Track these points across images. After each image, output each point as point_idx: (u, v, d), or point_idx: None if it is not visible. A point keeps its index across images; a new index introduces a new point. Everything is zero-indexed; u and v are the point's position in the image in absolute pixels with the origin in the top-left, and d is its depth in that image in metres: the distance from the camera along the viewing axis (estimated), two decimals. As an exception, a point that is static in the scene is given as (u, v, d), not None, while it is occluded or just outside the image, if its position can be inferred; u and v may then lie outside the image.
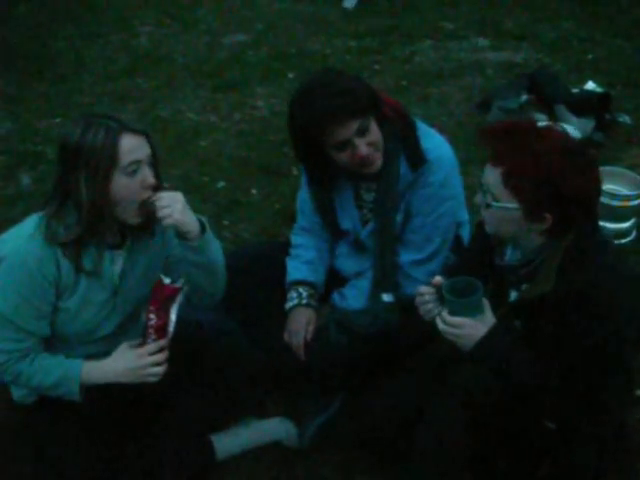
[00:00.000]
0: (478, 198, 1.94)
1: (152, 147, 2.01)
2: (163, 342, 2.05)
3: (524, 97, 4.39)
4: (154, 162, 2.02)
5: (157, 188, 2.01)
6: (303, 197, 2.64)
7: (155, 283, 2.05)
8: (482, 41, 5.63)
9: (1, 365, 2.05)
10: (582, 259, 1.87)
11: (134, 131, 1.97)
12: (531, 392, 1.92)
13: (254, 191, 3.77)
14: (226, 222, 3.50)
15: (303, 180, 2.62)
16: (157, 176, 2.03)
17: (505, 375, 1.92)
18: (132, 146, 1.95)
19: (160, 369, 2.06)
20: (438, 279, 1.96)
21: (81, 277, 2.04)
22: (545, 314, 1.91)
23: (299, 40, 5.70)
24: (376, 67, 5.22)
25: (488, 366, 1.92)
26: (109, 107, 4.69)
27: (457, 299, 1.88)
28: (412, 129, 2.37)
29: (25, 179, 3.97)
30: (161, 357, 2.05)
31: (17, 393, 2.19)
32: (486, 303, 1.92)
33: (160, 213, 1.97)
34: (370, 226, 2.47)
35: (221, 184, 3.80)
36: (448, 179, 2.37)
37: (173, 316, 2.05)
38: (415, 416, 2.08)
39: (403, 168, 2.36)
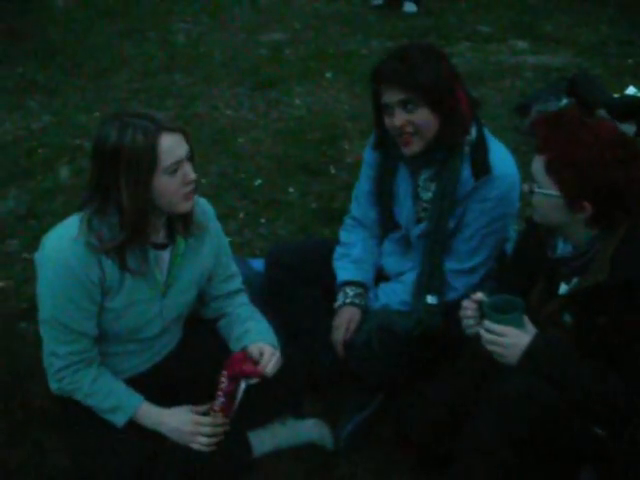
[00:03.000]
0: (525, 186, 1.95)
1: (189, 142, 2.00)
2: (226, 420, 2.09)
3: (564, 101, 4.35)
4: (192, 156, 2.02)
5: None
6: (362, 187, 2.62)
7: (239, 353, 2.11)
8: (521, 44, 5.59)
9: (60, 371, 2.05)
10: (636, 249, 1.88)
11: (172, 130, 1.94)
12: (589, 395, 1.90)
13: (291, 189, 3.76)
14: (263, 220, 3.50)
15: (364, 167, 2.60)
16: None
17: (561, 381, 1.90)
18: (171, 146, 1.93)
19: (208, 441, 2.10)
20: (479, 295, 1.97)
21: (126, 277, 2.03)
22: (598, 305, 1.90)
23: (336, 40, 5.71)
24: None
25: (540, 375, 1.90)
26: (147, 103, 4.74)
27: (499, 315, 1.89)
28: (483, 139, 2.37)
29: (64, 172, 4.01)
30: (214, 430, 2.09)
31: (55, 385, 2.20)
32: (526, 319, 1.92)
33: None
34: (423, 225, 2.46)
35: (258, 182, 3.80)
36: (508, 197, 2.34)
37: (241, 393, 2.10)
38: (451, 421, 2.08)
39: (467, 172, 2.35)
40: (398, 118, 2.26)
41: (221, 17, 6.24)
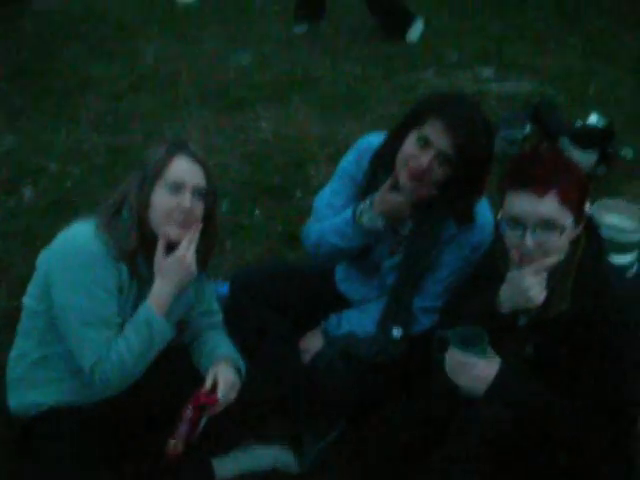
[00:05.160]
0: (529, 242, 1.94)
1: (208, 182, 2.14)
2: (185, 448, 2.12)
3: (528, 128, 4.42)
4: (205, 195, 2.13)
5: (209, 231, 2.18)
6: (337, 200, 2.53)
7: (201, 390, 2.16)
8: (486, 71, 5.66)
9: (94, 366, 2.04)
10: (595, 278, 1.94)
11: (193, 158, 2.10)
12: (555, 423, 1.93)
13: (257, 213, 3.77)
14: (229, 243, 3.49)
15: (345, 179, 2.53)
16: (210, 218, 2.17)
17: (527, 412, 1.92)
18: (182, 168, 2.08)
19: None
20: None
21: (134, 284, 2.10)
22: (560, 336, 1.93)
23: (304, 63, 5.72)
24: (381, 94, 5.24)
25: (506, 404, 1.92)
26: (113, 125, 4.71)
27: (464, 347, 1.92)
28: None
29: (28, 193, 3.97)
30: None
31: (16, 405, 2.18)
32: (490, 350, 1.96)
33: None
34: (397, 258, 2.46)
35: (225, 206, 3.80)
36: (485, 244, 2.36)
37: (202, 422, 2.16)
38: (418, 445, 2.09)
39: (450, 219, 2.36)
40: (426, 159, 2.21)
41: (191, 39, 6.24)
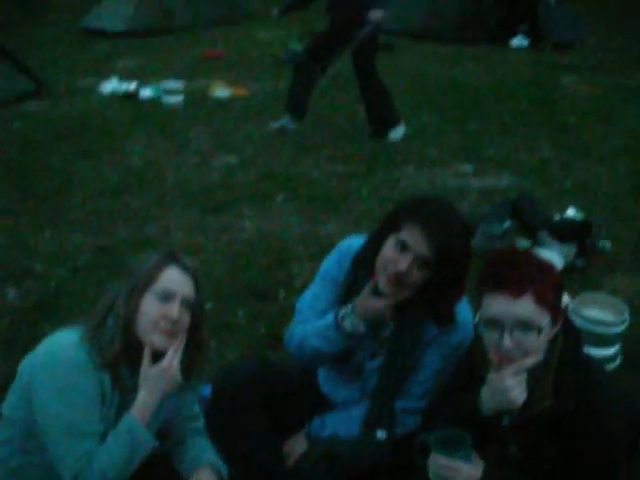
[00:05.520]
0: (507, 343, 1.95)
1: (197, 293, 2.16)
2: None
3: (507, 223, 4.49)
4: (193, 307, 2.14)
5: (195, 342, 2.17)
6: (319, 304, 2.52)
7: None
8: (465, 167, 5.80)
9: (75, 477, 2.01)
10: (576, 374, 1.95)
11: (184, 269, 2.14)
12: None
13: (241, 313, 3.77)
14: (212, 344, 3.48)
15: (327, 282, 2.53)
16: (196, 329, 2.16)
17: None
18: (173, 278, 2.11)
19: None
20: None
21: (116, 393, 2.09)
22: (544, 434, 1.92)
23: (287, 163, 5.85)
24: (362, 192, 5.33)
25: None
26: (99, 225, 4.75)
27: (448, 451, 1.91)
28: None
29: (11, 293, 3.97)
30: None
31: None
32: (473, 453, 1.95)
33: None
34: (378, 360, 2.46)
35: (208, 305, 3.80)
36: (466, 343, 2.34)
37: None
38: None
39: (429, 318, 2.37)
40: (404, 263, 2.22)
41: (176, 141, 6.37)
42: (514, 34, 10.46)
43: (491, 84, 8.32)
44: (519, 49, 10.20)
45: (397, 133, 6.40)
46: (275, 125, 6.47)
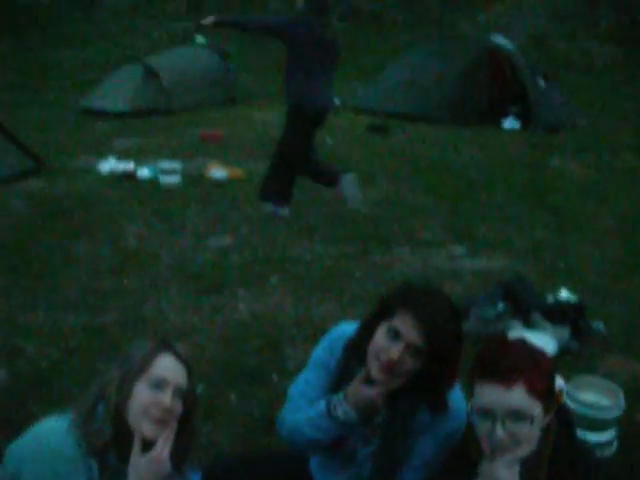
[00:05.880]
0: (499, 433, 1.94)
1: (190, 383, 2.16)
2: None
3: (500, 305, 4.50)
4: (185, 396, 2.13)
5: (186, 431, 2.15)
6: (310, 393, 2.50)
7: None
8: (459, 249, 5.84)
9: None
10: (570, 463, 1.96)
11: (178, 357, 2.14)
12: None
13: (233, 397, 3.74)
14: (204, 428, 3.45)
15: (318, 369, 2.51)
16: (188, 418, 2.14)
17: None
18: (167, 366, 2.11)
19: None
20: None
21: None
22: None
23: (282, 244, 5.88)
24: (356, 273, 5.35)
25: None
26: (93, 305, 4.75)
27: None
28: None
29: (2, 373, 3.94)
30: None
31: None
32: None
33: None
34: (372, 447, 2.44)
35: (200, 388, 3.77)
36: (460, 430, 2.32)
37: None
38: None
39: (422, 405, 2.36)
40: (396, 351, 2.22)
41: (172, 221, 6.42)
42: (506, 115, 10.71)
43: (483, 165, 8.46)
44: (511, 130, 10.42)
45: (283, 212, 6.43)
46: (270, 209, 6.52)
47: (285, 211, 6.44)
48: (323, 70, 5.94)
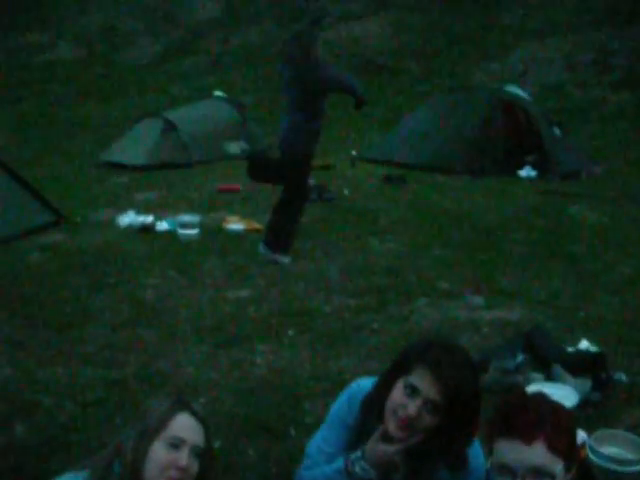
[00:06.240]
0: None
1: (207, 442, 2.14)
2: None
3: (520, 357, 4.45)
4: (202, 455, 2.11)
5: None
6: (328, 448, 2.49)
7: None
8: (477, 299, 5.80)
9: None
10: None
11: (196, 416, 2.13)
12: None
13: (251, 452, 3.71)
14: (221, 487, 3.42)
15: (338, 426, 2.51)
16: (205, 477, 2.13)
17: None
18: (185, 425, 2.10)
19: None
20: None
21: None
22: None
23: (299, 297, 5.89)
24: (374, 326, 5.31)
25: None
26: (110, 360, 4.75)
27: None
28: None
29: (19, 428, 3.93)
30: None
31: None
32: None
33: None
34: None
35: (217, 443, 3.74)
36: None
37: None
38: None
39: (440, 462, 2.34)
40: (414, 408, 2.22)
41: (190, 273, 6.45)
42: (522, 165, 10.74)
43: (500, 215, 8.45)
44: (527, 179, 10.44)
45: (284, 259, 6.59)
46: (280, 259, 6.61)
47: (287, 259, 6.59)
48: None
